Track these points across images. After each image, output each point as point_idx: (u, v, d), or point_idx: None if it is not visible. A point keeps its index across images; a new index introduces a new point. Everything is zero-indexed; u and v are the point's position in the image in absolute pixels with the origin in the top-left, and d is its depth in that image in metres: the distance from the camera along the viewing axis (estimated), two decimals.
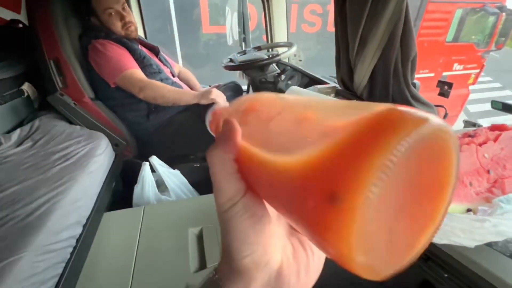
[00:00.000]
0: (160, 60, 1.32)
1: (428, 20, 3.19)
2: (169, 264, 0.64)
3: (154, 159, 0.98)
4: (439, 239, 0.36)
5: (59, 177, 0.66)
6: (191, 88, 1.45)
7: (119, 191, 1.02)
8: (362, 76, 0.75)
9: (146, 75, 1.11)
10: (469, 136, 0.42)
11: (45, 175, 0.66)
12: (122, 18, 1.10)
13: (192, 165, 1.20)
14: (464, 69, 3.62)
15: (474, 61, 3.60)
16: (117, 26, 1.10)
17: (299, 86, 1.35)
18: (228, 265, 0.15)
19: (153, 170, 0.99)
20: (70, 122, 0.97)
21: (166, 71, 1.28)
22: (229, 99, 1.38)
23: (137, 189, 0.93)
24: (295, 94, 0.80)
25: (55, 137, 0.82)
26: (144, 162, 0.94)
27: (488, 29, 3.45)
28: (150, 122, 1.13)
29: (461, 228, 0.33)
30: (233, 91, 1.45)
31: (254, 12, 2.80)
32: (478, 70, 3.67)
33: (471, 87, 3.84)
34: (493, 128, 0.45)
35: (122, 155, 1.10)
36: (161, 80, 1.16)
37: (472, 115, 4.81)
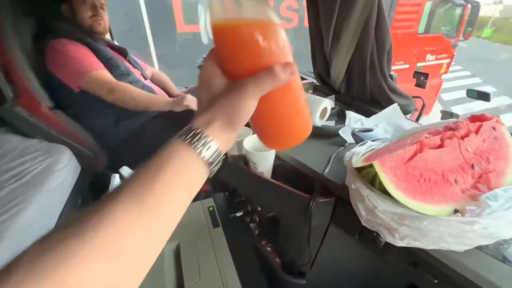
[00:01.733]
0: (129, 62, 1.23)
1: (401, 13, 3.27)
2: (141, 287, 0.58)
3: (125, 170, 0.90)
4: (427, 245, 0.33)
5: (9, 200, 0.58)
6: (166, 91, 1.37)
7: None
8: (338, 70, 0.72)
9: (114, 77, 1.03)
10: (451, 129, 0.40)
11: None
12: (95, 10, 1.02)
13: None
14: (436, 59, 3.76)
15: (445, 51, 3.75)
16: (86, 15, 1.01)
17: None
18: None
19: None
20: (27, 136, 0.87)
21: (136, 73, 1.20)
22: None
23: None
24: None
25: (6, 154, 0.73)
26: (113, 174, 0.87)
27: (456, 20, 3.60)
28: (120, 129, 1.04)
29: (449, 233, 0.30)
30: None
31: None
32: (449, 60, 3.83)
33: (443, 76, 4.00)
34: (473, 119, 0.43)
35: (91, 167, 1.01)
36: (130, 83, 1.08)
37: (446, 103, 5.03)
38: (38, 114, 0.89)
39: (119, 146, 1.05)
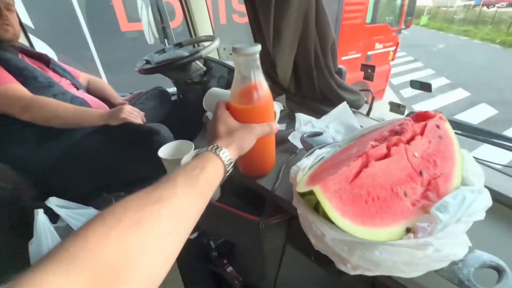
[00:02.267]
0: (54, 70, 1.04)
1: (349, 4, 3.40)
2: None
3: (52, 201, 0.76)
4: (380, 273, 0.29)
5: None
6: (107, 99, 1.21)
7: (11, 254, 0.77)
8: (284, 69, 0.67)
9: (31, 91, 0.85)
10: (396, 133, 0.36)
11: None
12: None
13: (115, 195, 0.99)
14: (384, 47, 4.02)
15: (391, 39, 4.03)
16: None
17: (229, 83, 1.23)
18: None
19: (56, 214, 0.77)
20: None
21: (64, 83, 1.02)
22: (154, 110, 1.18)
23: (31, 246, 0.70)
24: (214, 97, 0.68)
25: None
26: (36, 209, 0.72)
27: (397, 10, 3.88)
28: (43, 153, 0.88)
29: (403, 262, 0.27)
30: (159, 99, 1.26)
31: (177, 4, 2.55)
32: (395, 47, 4.12)
33: (391, 63, 4.30)
34: (417, 117, 0.41)
35: (11, 203, 0.83)
36: (54, 96, 0.91)
37: (395, 87, 5.45)
38: None
39: (45, 172, 0.89)
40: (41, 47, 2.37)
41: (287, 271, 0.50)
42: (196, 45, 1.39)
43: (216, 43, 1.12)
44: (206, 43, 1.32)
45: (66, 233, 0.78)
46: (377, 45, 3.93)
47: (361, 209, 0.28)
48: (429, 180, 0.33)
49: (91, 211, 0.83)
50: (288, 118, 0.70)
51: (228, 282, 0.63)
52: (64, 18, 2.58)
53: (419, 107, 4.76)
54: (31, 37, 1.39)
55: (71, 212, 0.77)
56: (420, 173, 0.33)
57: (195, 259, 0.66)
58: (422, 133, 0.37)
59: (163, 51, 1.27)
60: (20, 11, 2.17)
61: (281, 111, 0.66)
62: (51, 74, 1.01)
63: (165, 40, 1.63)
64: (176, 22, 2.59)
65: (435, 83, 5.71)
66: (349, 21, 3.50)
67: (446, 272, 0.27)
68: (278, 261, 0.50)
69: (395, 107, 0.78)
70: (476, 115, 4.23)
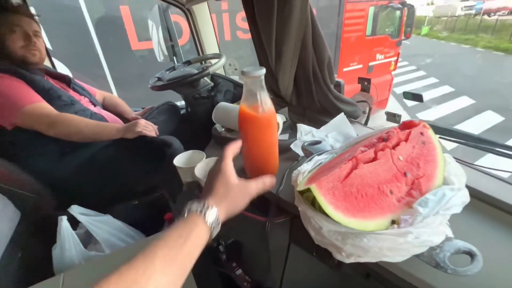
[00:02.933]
0: (74, 89, 1.14)
1: (349, 18, 3.53)
2: None
3: (74, 209, 0.82)
4: (370, 259, 0.34)
5: None
6: (121, 115, 1.30)
7: (37, 258, 0.82)
8: (286, 84, 0.74)
9: (55, 109, 0.94)
10: (383, 140, 0.42)
11: None
12: (27, 39, 0.93)
13: (129, 204, 1.05)
14: (385, 58, 4.11)
15: (392, 50, 4.12)
16: (16, 44, 0.91)
17: (235, 97, 1.31)
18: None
19: (77, 221, 0.83)
20: None
21: (84, 101, 1.11)
22: (165, 123, 1.26)
23: (55, 251, 0.76)
24: (222, 111, 0.75)
25: None
26: (60, 216, 0.78)
27: (397, 22, 3.99)
28: (66, 165, 0.95)
29: (387, 247, 0.31)
30: (169, 113, 1.34)
31: (185, 24, 2.71)
32: (396, 58, 4.21)
33: (393, 73, 4.38)
34: (404, 126, 0.46)
35: (35, 211, 0.90)
36: (76, 113, 1.00)
37: (399, 96, 5.49)
38: None
39: (67, 183, 0.96)
40: (58, 66, 2.53)
41: (292, 269, 0.54)
42: (203, 62, 1.48)
43: (223, 60, 1.21)
44: (213, 61, 1.42)
45: (85, 238, 0.84)
46: (378, 56, 4.02)
47: (351, 204, 0.34)
48: (413, 180, 0.38)
49: (108, 218, 0.89)
50: (290, 128, 0.76)
51: (238, 285, 0.67)
52: (79, 39, 2.75)
53: (423, 116, 4.78)
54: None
55: (91, 219, 0.83)
56: (405, 174, 0.38)
57: (206, 262, 0.70)
58: (406, 140, 0.42)
59: (173, 68, 1.36)
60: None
61: (284, 122, 0.73)
62: (72, 93, 1.10)
63: (174, 57, 1.74)
64: (183, 40, 2.74)
65: (439, 91, 5.75)
66: (349, 34, 3.62)
67: (425, 257, 0.31)
68: (283, 261, 0.55)
69: (391, 117, 0.84)
70: (482, 122, 4.23)
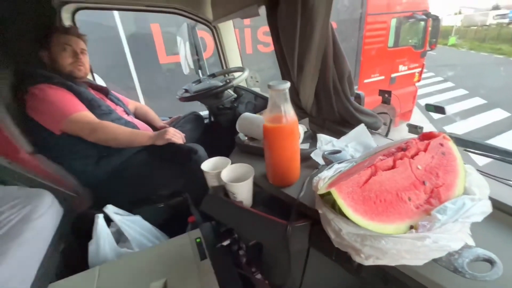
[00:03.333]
0: (111, 100, 1.26)
1: (370, 31, 3.53)
2: None
3: (109, 208, 0.90)
4: (390, 263, 0.35)
5: None
6: (150, 123, 1.40)
7: (74, 251, 0.90)
8: (307, 96, 0.77)
9: (96, 117, 1.05)
10: (402, 149, 0.44)
11: None
12: (75, 56, 1.06)
13: (155, 207, 1.12)
14: (408, 69, 4.02)
15: (415, 61, 4.03)
16: (66, 61, 1.05)
17: (256, 107, 1.37)
18: None
19: (111, 220, 0.91)
20: (5, 184, 0.86)
21: (119, 110, 1.22)
22: (191, 132, 1.35)
23: (91, 246, 0.83)
24: (246, 121, 0.80)
25: None
26: (97, 214, 0.86)
27: (421, 33, 3.91)
28: (102, 168, 1.05)
29: (405, 250, 0.33)
30: (195, 122, 1.43)
31: (210, 39, 2.86)
32: (420, 69, 4.10)
33: (419, 84, 4.25)
34: (423, 137, 0.47)
35: (74, 209, 0.99)
36: (113, 121, 1.10)
37: (423, 108, 5.28)
38: (18, 160, 0.88)
39: (102, 184, 1.05)
40: (96, 80, 2.79)
41: (311, 273, 0.56)
42: (227, 75, 1.57)
43: (246, 73, 1.28)
44: (236, 74, 1.50)
45: (117, 236, 0.91)
46: (401, 67, 3.95)
47: (370, 208, 0.36)
48: (432, 189, 0.40)
49: (137, 218, 0.96)
50: (311, 138, 0.79)
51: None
52: (114, 54, 3.01)
53: (451, 129, 4.54)
54: None
55: (123, 219, 0.90)
56: (423, 183, 0.40)
57: (228, 264, 0.74)
58: (425, 150, 0.43)
59: (199, 81, 1.46)
60: None
61: (305, 132, 0.76)
62: (109, 103, 1.22)
63: (199, 70, 1.85)
64: (207, 54, 2.90)
65: (469, 104, 5.45)
66: (370, 46, 3.60)
67: (444, 262, 0.33)
68: (303, 264, 0.57)
69: (413, 129, 0.84)
70: None
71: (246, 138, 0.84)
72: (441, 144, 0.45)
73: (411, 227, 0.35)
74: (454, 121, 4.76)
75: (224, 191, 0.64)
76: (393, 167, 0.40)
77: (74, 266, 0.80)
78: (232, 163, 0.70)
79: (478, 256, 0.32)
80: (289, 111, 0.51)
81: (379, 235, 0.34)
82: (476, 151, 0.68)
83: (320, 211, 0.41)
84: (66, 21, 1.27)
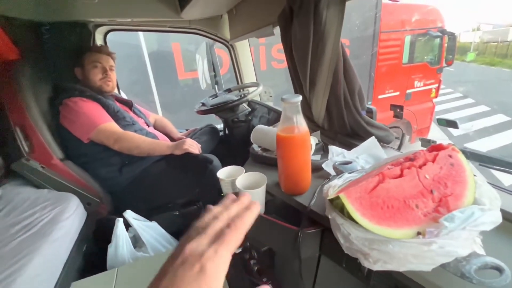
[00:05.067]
0: (134, 112, 1.35)
1: (384, 47, 3.57)
2: None
3: (129, 214, 0.95)
4: (398, 267, 0.36)
5: (17, 251, 0.62)
6: (168, 134, 1.48)
7: (94, 253, 0.95)
8: (318, 110, 0.81)
9: (120, 127, 1.13)
10: (410, 159, 0.45)
11: (0, 251, 0.61)
12: (104, 73, 1.17)
13: (170, 214, 1.16)
14: (424, 85, 3.97)
15: (431, 77, 3.98)
16: (96, 77, 1.16)
17: (269, 121, 1.41)
18: None
19: (129, 225, 0.95)
20: (38, 187, 0.94)
21: (140, 122, 1.31)
22: (207, 143, 1.41)
23: (110, 249, 0.88)
24: (260, 133, 0.84)
25: (18, 206, 0.79)
26: (117, 218, 0.91)
27: (436, 49, 3.89)
28: (123, 175, 1.11)
29: (412, 254, 0.34)
30: (210, 134, 1.49)
31: (226, 56, 3.01)
32: (437, 85, 4.03)
33: (437, 100, 4.16)
34: (432, 149, 0.49)
35: (96, 213, 1.05)
36: (135, 132, 1.18)
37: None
38: (50, 165, 0.96)
39: (123, 191, 1.11)
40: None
41: (322, 281, 0.57)
42: (242, 90, 1.64)
43: (260, 88, 1.34)
44: (251, 89, 1.57)
45: (135, 241, 0.95)
46: (417, 83, 3.91)
47: (377, 213, 0.38)
48: (440, 198, 0.41)
49: (154, 224, 1.00)
50: (322, 150, 0.81)
51: None
52: (137, 71, 3.23)
53: (472, 146, 4.36)
54: None
55: (141, 224, 0.95)
56: (431, 192, 0.41)
57: (239, 272, 0.75)
58: (433, 161, 0.45)
59: (215, 95, 1.54)
60: None
61: (316, 144, 0.78)
62: (132, 114, 1.31)
63: (216, 86, 1.95)
64: (223, 70, 3.04)
65: (491, 121, 5.24)
66: (384, 62, 3.62)
67: (451, 267, 0.33)
68: (314, 273, 0.57)
69: (425, 143, 0.84)
70: None
71: (260, 149, 0.88)
72: (450, 156, 0.47)
73: (418, 233, 0.37)
74: (475, 139, 4.58)
75: None
76: (400, 175, 0.42)
77: (94, 267, 0.84)
78: (246, 172, 0.74)
79: (486, 263, 0.33)
80: (301, 123, 0.55)
81: (386, 239, 0.36)
82: (493, 166, 0.68)
83: (330, 216, 0.43)
84: (99, 41, 1.41)
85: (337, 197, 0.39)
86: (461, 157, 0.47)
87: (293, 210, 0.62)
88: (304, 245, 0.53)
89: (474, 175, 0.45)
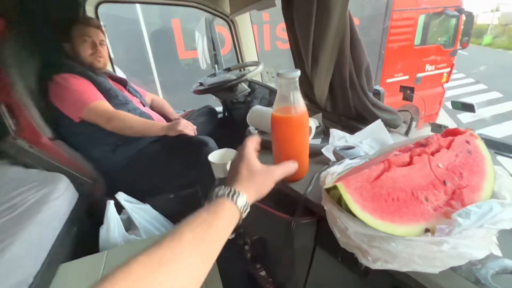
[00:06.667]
0: (129, 91, 1.29)
1: (395, 27, 3.36)
2: None
3: (121, 195, 0.92)
4: (400, 268, 0.32)
5: (0, 233, 0.59)
6: (165, 115, 1.42)
7: (87, 234, 0.94)
8: (321, 90, 0.74)
9: (113, 106, 1.08)
10: (421, 145, 0.40)
11: None
12: (94, 48, 1.09)
13: (165, 197, 1.14)
14: (436, 69, 3.78)
15: (444, 61, 3.78)
16: (86, 53, 1.08)
17: (270, 103, 1.34)
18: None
19: (122, 207, 0.93)
20: (26, 167, 0.91)
21: (135, 101, 1.25)
22: (204, 124, 1.35)
23: (102, 231, 0.86)
24: (256, 114, 0.78)
25: (3, 186, 0.76)
26: (109, 200, 0.88)
27: (452, 30, 3.66)
28: (118, 156, 1.08)
29: (418, 255, 0.30)
30: (208, 116, 1.43)
31: (228, 35, 2.87)
32: (449, 69, 3.84)
33: (446, 85, 3.99)
34: (446, 133, 0.43)
35: (90, 194, 1.03)
36: (129, 111, 1.13)
37: (451, 111, 4.97)
38: (39, 145, 0.92)
39: (117, 172, 1.08)
40: (117, 71, 2.90)
41: (316, 273, 0.53)
42: (242, 69, 1.56)
43: (260, 67, 1.25)
44: (251, 68, 1.48)
45: (127, 223, 0.93)
46: (428, 67, 3.72)
47: (380, 206, 0.33)
48: (454, 189, 0.36)
49: (147, 207, 0.98)
50: (323, 133, 0.75)
51: (262, 285, 0.68)
52: (135, 49, 3.11)
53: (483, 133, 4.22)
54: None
55: (133, 206, 0.92)
56: (444, 183, 0.36)
57: (232, 259, 0.72)
58: (448, 147, 0.39)
59: (214, 74, 1.46)
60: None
61: (317, 127, 0.72)
62: (126, 93, 1.25)
63: (216, 65, 1.86)
64: (225, 50, 2.91)
65: (504, 108, 5.05)
66: (395, 44, 3.43)
67: (463, 271, 0.29)
68: (308, 263, 0.54)
69: (436, 128, 0.78)
70: None
71: (257, 131, 0.83)
72: (467, 142, 0.41)
73: (427, 230, 0.32)
74: (486, 126, 4.43)
75: None
76: (409, 163, 0.37)
77: (87, 248, 0.82)
78: None
79: (506, 267, 0.28)
80: (298, 102, 0.49)
81: (389, 236, 0.31)
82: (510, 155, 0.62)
83: (325, 208, 0.38)
84: (90, 14, 1.32)
85: (335, 187, 0.34)
86: (480, 143, 0.41)
87: (289, 198, 0.57)
88: (298, 236, 0.49)
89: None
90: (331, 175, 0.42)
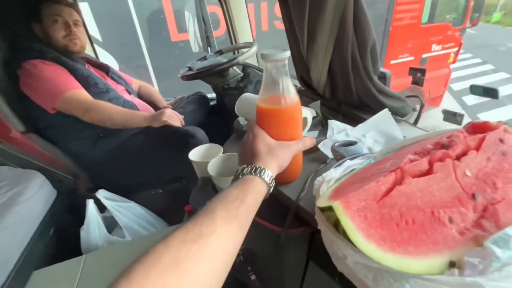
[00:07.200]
0: (112, 78, 1.19)
1: (402, 4, 3.14)
2: None
3: (101, 193, 0.85)
4: None
5: None
6: (153, 103, 1.33)
7: (69, 236, 0.88)
8: (319, 73, 0.64)
9: (92, 95, 0.98)
10: (443, 146, 0.31)
11: None
12: (68, 28, 0.98)
13: (152, 192, 1.07)
14: (443, 49, 3.59)
15: (452, 40, 3.58)
16: (58, 34, 0.97)
17: None
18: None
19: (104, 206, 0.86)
20: None
21: (119, 89, 1.15)
22: (193, 113, 1.25)
23: (83, 232, 0.80)
24: (246, 102, 0.69)
25: None
26: (88, 199, 0.81)
27: (462, 6, 3.45)
28: (98, 150, 0.99)
29: None
30: (198, 103, 1.33)
31: (221, 14, 2.69)
32: (456, 48, 3.65)
33: (452, 66, 3.81)
34: (473, 128, 0.34)
35: (71, 191, 0.96)
36: (110, 100, 1.03)
37: (456, 93, 4.80)
38: (9, 139, 0.84)
39: (100, 167, 1.00)
40: (107, 57, 2.75)
41: None
42: (236, 51, 1.43)
43: (254, 49, 1.14)
44: (245, 50, 1.36)
45: (111, 222, 0.87)
46: (435, 47, 3.53)
47: (390, 232, 0.24)
48: (486, 205, 0.27)
49: (132, 205, 0.91)
50: (321, 125, 0.66)
51: None
52: (126, 33, 2.93)
53: (487, 117, 4.09)
54: (100, 49, 1.60)
55: (116, 205, 0.85)
56: (473, 196, 0.27)
57: None
58: (478, 148, 0.30)
59: (204, 58, 1.34)
60: (92, 28, 2.55)
61: (313, 118, 0.63)
62: (109, 81, 1.15)
63: (208, 48, 1.72)
64: (220, 32, 2.73)
65: (510, 89, 4.86)
66: (400, 22, 3.22)
67: None
68: (300, 277, 0.47)
69: (450, 116, 0.68)
70: None
71: (247, 122, 0.74)
72: (501, 140, 0.32)
73: (452, 264, 0.24)
74: (490, 108, 4.28)
75: (212, 185, 0.55)
76: (428, 172, 0.28)
77: (70, 251, 0.76)
78: (226, 151, 0.60)
79: None
80: (288, 90, 0.40)
81: (402, 275, 0.23)
82: None
83: (319, 228, 0.30)
84: None
85: (330, 207, 0.26)
86: None
87: (280, 204, 0.49)
88: (288, 249, 0.42)
89: None
90: (327, 183, 0.34)
